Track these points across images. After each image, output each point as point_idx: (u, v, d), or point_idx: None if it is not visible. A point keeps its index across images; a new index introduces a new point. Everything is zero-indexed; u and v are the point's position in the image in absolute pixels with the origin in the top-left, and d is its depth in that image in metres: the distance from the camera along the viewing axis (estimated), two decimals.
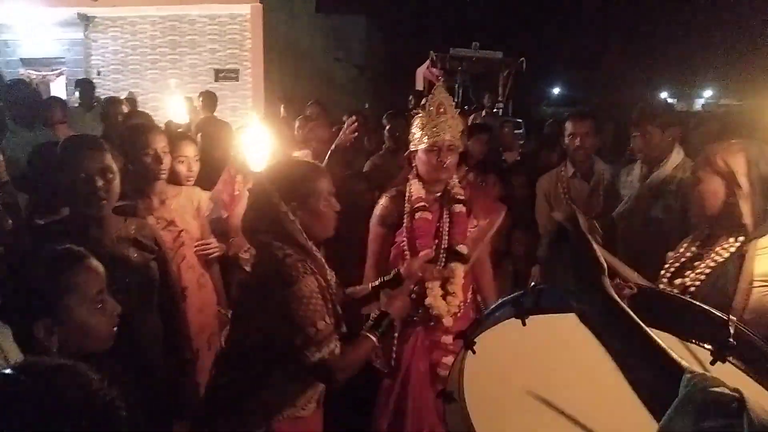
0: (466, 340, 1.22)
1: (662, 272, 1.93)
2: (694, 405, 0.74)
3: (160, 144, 2.50)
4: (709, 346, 1.06)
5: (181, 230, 2.61)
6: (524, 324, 1.14)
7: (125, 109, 4.66)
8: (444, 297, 2.25)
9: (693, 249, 1.90)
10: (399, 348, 2.32)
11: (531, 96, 19.32)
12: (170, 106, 4.67)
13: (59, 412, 0.71)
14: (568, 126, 3.30)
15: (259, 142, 2.44)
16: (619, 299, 0.89)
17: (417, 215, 2.31)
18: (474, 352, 1.20)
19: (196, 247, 2.67)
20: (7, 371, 0.78)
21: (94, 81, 7.36)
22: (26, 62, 10.73)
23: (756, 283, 1.69)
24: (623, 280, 1.33)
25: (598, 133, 3.35)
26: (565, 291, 0.95)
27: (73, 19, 10.39)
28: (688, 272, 1.84)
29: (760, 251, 1.71)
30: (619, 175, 3.31)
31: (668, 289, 1.82)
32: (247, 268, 1.76)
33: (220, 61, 10.57)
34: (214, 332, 2.75)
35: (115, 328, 1.43)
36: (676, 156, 2.93)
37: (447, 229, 2.33)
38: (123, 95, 6.90)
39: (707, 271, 1.79)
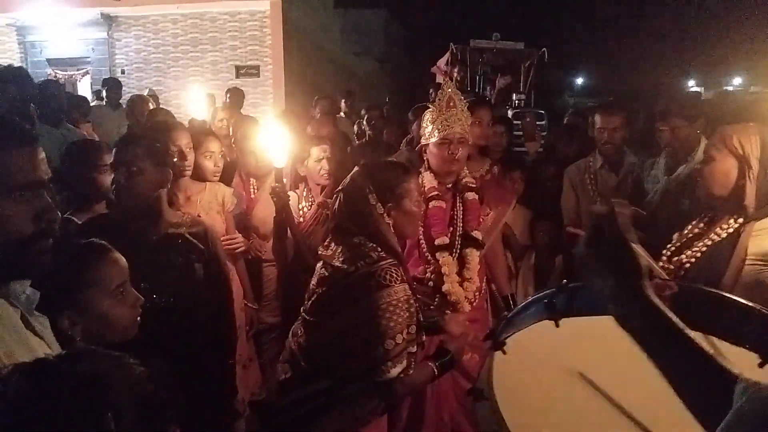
0: (495, 341, 1.20)
1: (664, 251, 1.96)
2: (754, 416, 0.70)
3: (184, 141, 2.52)
4: (756, 350, 1.02)
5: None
6: (557, 326, 1.11)
7: (151, 106, 4.72)
8: (461, 283, 2.27)
9: (696, 230, 1.93)
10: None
11: (554, 86, 19.03)
12: (191, 102, 4.73)
13: (99, 401, 0.72)
14: (597, 120, 3.26)
15: (278, 140, 2.44)
16: (661, 304, 0.84)
17: (431, 204, 2.34)
18: (504, 353, 1.18)
19: (222, 242, 2.70)
20: (50, 359, 0.80)
21: (119, 79, 7.47)
22: (53, 62, 10.96)
23: (749, 261, 1.73)
24: (661, 278, 1.28)
25: (627, 126, 3.29)
26: (602, 295, 0.89)
27: (96, 19, 10.57)
28: (687, 250, 1.88)
29: (756, 232, 1.75)
30: (644, 168, 3.25)
31: (668, 266, 1.87)
32: (335, 263, 1.73)
33: (240, 58, 10.65)
34: (240, 325, 2.79)
35: (137, 319, 1.46)
36: (703, 149, 2.87)
37: (461, 216, 2.37)
38: (144, 93, 6.99)
39: (704, 249, 1.84)
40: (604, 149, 3.24)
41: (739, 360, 0.99)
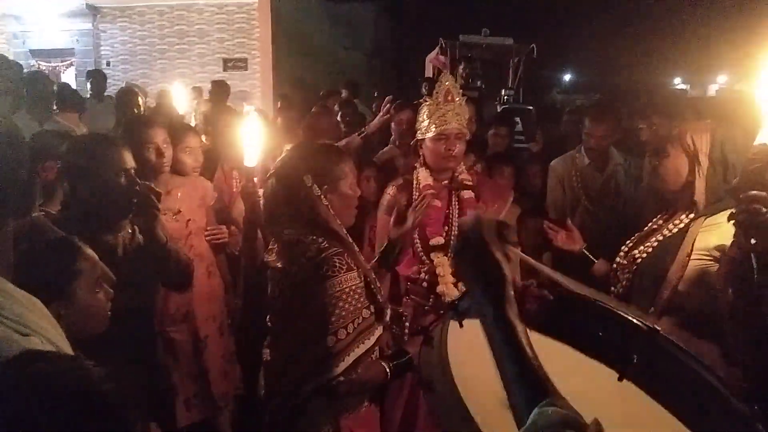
0: (425, 334, 1.21)
1: (623, 246, 2.02)
2: None
3: (161, 137, 2.50)
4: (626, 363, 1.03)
5: (189, 220, 2.64)
6: (461, 326, 1.12)
7: (141, 100, 4.65)
8: (455, 284, 2.23)
9: (654, 226, 1.98)
10: (411, 338, 2.31)
11: (542, 82, 19.10)
12: (175, 97, 4.71)
13: (54, 404, 0.70)
14: (587, 124, 3.27)
15: (253, 135, 2.39)
16: (512, 314, 0.87)
17: None
18: (432, 347, 1.16)
19: (206, 234, 2.71)
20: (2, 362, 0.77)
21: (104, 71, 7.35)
22: (36, 54, 10.77)
23: (695, 256, 1.77)
24: (547, 285, 1.27)
25: (617, 130, 3.30)
26: (471, 297, 0.94)
27: (81, 9, 10.41)
28: (640, 246, 1.93)
29: (704, 228, 1.79)
30: (630, 168, 3.27)
31: (623, 261, 1.92)
32: (279, 265, 1.65)
33: (228, 51, 10.55)
34: (224, 319, 2.81)
35: (109, 312, 1.51)
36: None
37: (456, 215, 2.32)
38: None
39: (655, 244, 1.89)
40: (590, 153, 3.26)
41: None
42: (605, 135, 3.18)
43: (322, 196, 1.64)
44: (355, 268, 1.61)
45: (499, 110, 8.87)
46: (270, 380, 1.72)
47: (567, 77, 29.24)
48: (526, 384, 0.80)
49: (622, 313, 1.13)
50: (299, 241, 1.60)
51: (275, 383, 1.68)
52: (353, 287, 1.57)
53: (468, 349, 1.16)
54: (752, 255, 1.44)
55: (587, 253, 2.21)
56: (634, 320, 1.10)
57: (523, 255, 1.15)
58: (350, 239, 1.70)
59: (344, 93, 6.33)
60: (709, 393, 1.00)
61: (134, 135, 2.45)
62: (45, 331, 1.01)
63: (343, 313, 1.54)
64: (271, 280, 1.71)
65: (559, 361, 0.84)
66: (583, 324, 1.12)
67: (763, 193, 1.37)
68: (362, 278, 1.63)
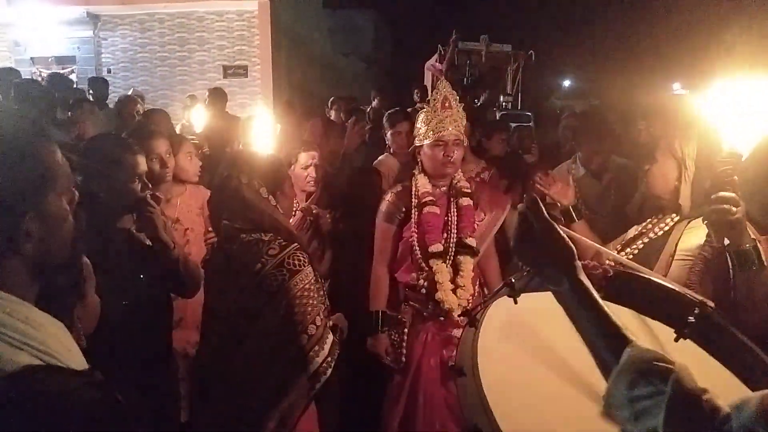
0: (470, 317, 1.29)
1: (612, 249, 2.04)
2: (628, 374, 0.82)
3: (164, 148, 2.52)
4: (676, 325, 1.22)
5: (187, 228, 2.66)
6: (516, 302, 1.22)
7: (140, 107, 4.68)
8: (454, 291, 2.24)
9: (642, 230, 2.01)
10: (409, 344, 2.31)
11: (540, 89, 19.13)
12: (193, 117, 4.80)
13: (58, 426, 0.65)
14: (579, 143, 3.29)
15: (265, 133, 2.40)
16: (585, 280, 0.95)
17: (425, 209, 2.30)
18: (476, 329, 1.25)
19: (205, 240, 2.71)
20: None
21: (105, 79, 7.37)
22: (37, 61, 10.81)
23: (678, 257, 1.81)
24: (601, 261, 1.43)
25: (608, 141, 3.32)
26: (541, 275, 1.01)
27: (82, 17, 10.45)
28: (627, 248, 1.97)
29: (687, 230, 1.83)
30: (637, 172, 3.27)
31: (609, 262, 1.98)
32: (238, 268, 1.71)
33: (228, 58, 10.58)
34: None
35: None
36: None
37: (455, 222, 2.33)
38: (129, 92, 6.92)
39: (641, 246, 1.93)
40: (587, 164, 3.26)
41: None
42: (597, 150, 3.20)
43: (272, 199, 1.78)
44: (308, 262, 1.72)
45: (498, 117, 8.90)
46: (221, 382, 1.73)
47: (566, 83, 29.27)
48: (609, 336, 0.89)
49: (674, 287, 1.32)
50: (259, 240, 1.71)
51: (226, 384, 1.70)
52: (312, 281, 1.68)
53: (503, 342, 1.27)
54: (728, 255, 1.50)
55: (572, 211, 2.26)
56: (686, 294, 1.26)
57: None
58: (297, 234, 1.82)
59: (375, 101, 6.39)
60: (751, 355, 1.20)
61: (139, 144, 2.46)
62: (66, 360, 0.96)
63: (315, 303, 1.64)
64: (222, 285, 1.76)
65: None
66: (639, 296, 1.28)
67: (732, 194, 1.42)
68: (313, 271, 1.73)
